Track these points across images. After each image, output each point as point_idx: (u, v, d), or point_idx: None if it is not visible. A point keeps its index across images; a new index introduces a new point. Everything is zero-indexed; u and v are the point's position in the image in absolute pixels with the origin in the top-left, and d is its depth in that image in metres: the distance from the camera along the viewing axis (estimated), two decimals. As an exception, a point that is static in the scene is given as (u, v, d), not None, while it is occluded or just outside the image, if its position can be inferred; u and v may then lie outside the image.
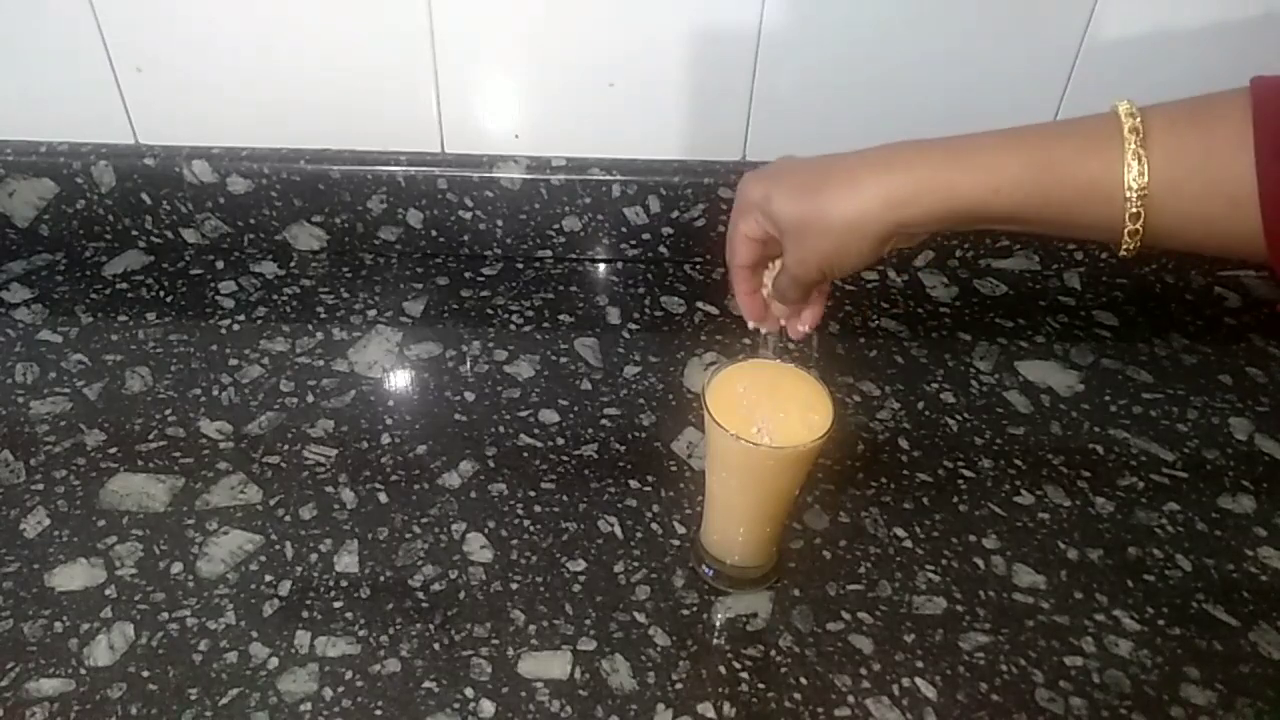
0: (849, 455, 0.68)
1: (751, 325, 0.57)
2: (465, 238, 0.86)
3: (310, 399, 0.72)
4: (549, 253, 0.87)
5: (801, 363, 0.56)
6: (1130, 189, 0.42)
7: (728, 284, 0.84)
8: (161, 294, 0.82)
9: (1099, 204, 0.43)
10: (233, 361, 0.75)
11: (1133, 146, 0.42)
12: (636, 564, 0.60)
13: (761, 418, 0.52)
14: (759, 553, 0.58)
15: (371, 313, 0.80)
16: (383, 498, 0.64)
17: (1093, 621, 0.58)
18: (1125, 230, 0.43)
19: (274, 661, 0.54)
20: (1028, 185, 0.44)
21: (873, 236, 0.47)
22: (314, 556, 0.60)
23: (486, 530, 0.62)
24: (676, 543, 0.62)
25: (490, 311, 0.81)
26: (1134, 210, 0.42)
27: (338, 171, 0.82)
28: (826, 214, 0.47)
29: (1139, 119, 0.43)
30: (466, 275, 0.85)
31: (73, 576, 0.59)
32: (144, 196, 0.83)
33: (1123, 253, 0.45)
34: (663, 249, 0.86)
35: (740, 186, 0.53)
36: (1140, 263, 0.87)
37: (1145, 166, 0.42)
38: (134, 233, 0.86)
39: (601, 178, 0.82)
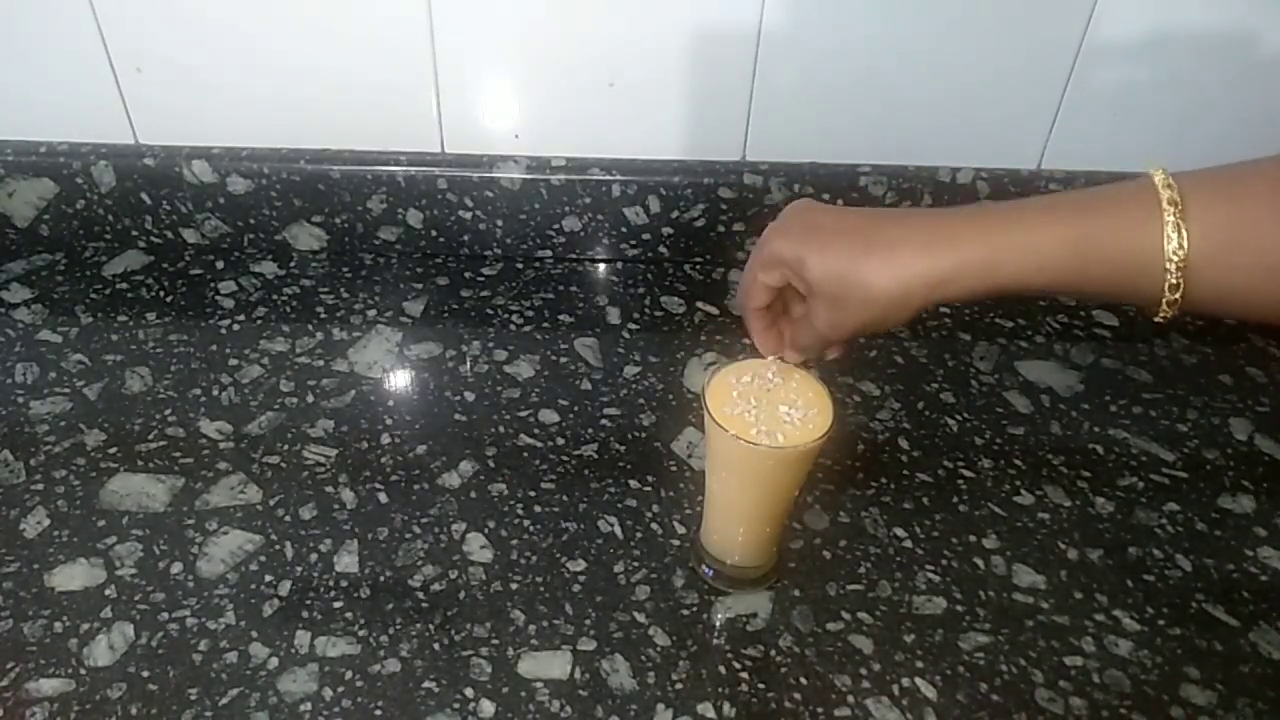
0: (849, 455, 0.68)
1: (770, 358, 0.56)
2: (465, 238, 0.86)
3: (310, 399, 0.72)
4: (549, 253, 0.87)
5: (801, 363, 0.56)
6: (1170, 260, 0.42)
7: (727, 285, 0.85)
8: (161, 294, 0.82)
9: (1138, 275, 0.43)
10: (233, 361, 0.75)
11: (1171, 218, 0.42)
12: (636, 564, 0.60)
13: (761, 418, 0.52)
14: (759, 553, 0.58)
15: (371, 313, 0.80)
16: (383, 498, 0.64)
17: (1093, 621, 0.58)
18: (1164, 300, 0.43)
19: (274, 661, 0.54)
20: (1068, 260, 0.45)
21: (911, 309, 0.48)
22: (314, 556, 0.60)
23: (486, 530, 0.62)
24: (676, 543, 0.62)
25: (490, 311, 0.81)
26: (1173, 281, 0.43)
27: (338, 171, 0.82)
28: (868, 287, 0.47)
29: (1176, 190, 0.43)
30: (466, 275, 0.85)
31: (73, 576, 0.59)
32: (144, 196, 0.83)
33: (1158, 319, 0.45)
34: (663, 249, 0.86)
35: (766, 237, 0.52)
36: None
37: (1184, 238, 0.42)
38: (134, 233, 0.86)
39: (601, 178, 0.82)
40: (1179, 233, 0.42)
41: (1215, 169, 0.44)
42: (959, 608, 0.58)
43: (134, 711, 0.52)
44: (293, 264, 0.86)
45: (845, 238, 0.49)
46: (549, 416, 0.71)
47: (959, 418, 0.72)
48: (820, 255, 0.48)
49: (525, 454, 0.68)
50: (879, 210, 0.50)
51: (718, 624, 0.57)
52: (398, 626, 0.56)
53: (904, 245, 0.47)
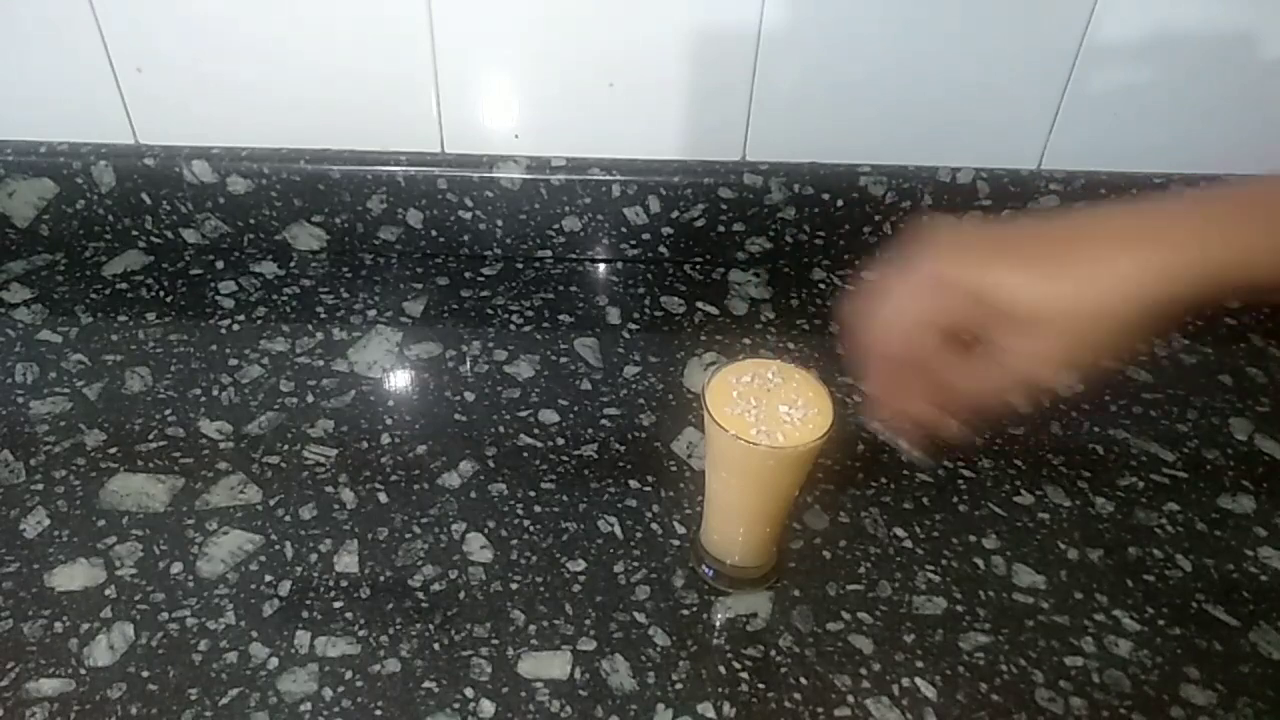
0: (849, 455, 0.68)
1: (903, 445, 0.47)
2: (465, 238, 0.86)
3: (310, 399, 0.72)
4: (549, 253, 0.87)
5: (801, 362, 0.56)
6: None
7: (728, 285, 0.85)
8: (161, 294, 0.82)
9: None
10: (233, 361, 0.75)
11: None
12: (636, 564, 0.60)
13: (761, 418, 0.52)
14: (759, 553, 0.58)
15: (371, 313, 0.80)
16: (383, 498, 0.64)
17: (1093, 621, 0.58)
18: None
19: (274, 661, 0.54)
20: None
21: (1140, 319, 0.40)
22: (314, 556, 0.60)
23: (486, 530, 0.62)
24: (676, 543, 0.62)
25: (490, 311, 0.81)
26: None
27: (338, 171, 0.82)
28: (1082, 296, 0.39)
29: None
30: (466, 275, 0.85)
31: (73, 576, 0.59)
32: (144, 196, 0.83)
33: None
34: (663, 249, 0.86)
35: (918, 260, 0.42)
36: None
37: None
38: (134, 233, 0.86)
39: (601, 178, 0.82)
40: None
41: None
42: (959, 608, 0.58)
43: (134, 711, 0.52)
44: (293, 264, 0.86)
45: (1028, 244, 0.41)
46: (549, 416, 0.71)
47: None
48: (1011, 267, 0.40)
49: (525, 454, 0.68)
50: (1038, 220, 0.42)
51: (718, 624, 0.57)
52: (398, 626, 0.56)
53: (1109, 239, 0.40)
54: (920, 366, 0.44)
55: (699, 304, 0.83)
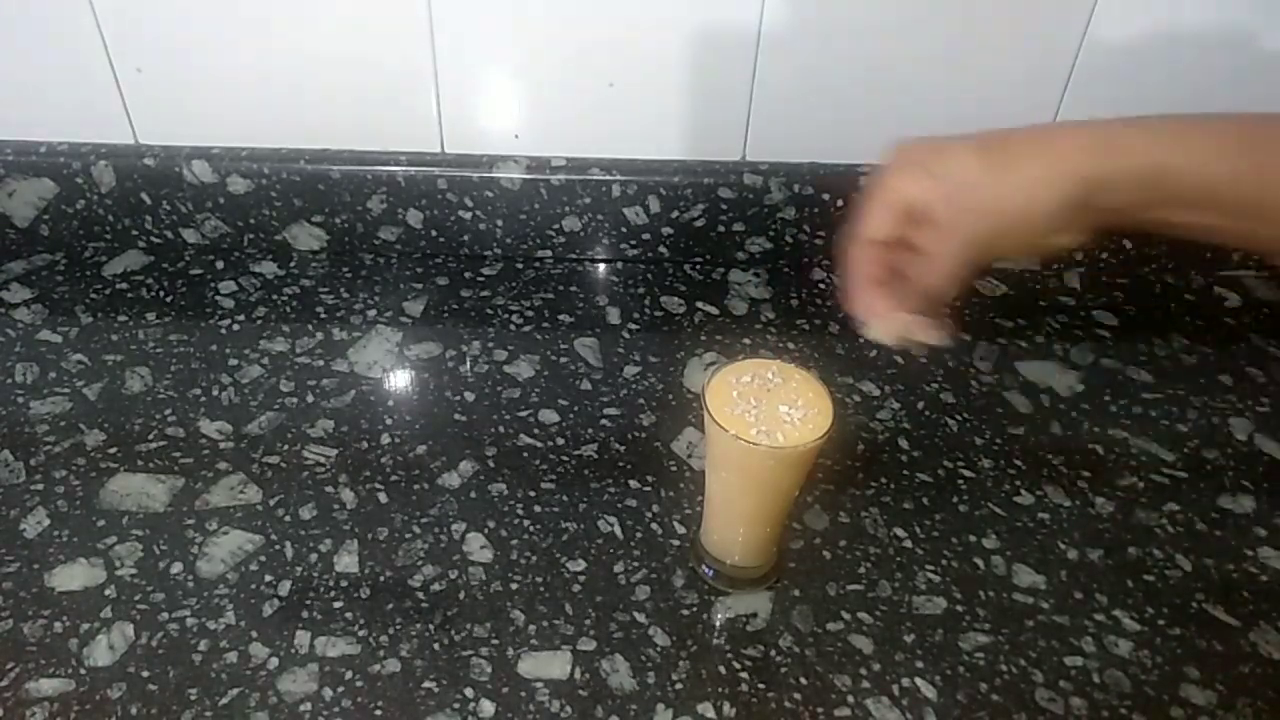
0: (849, 455, 0.68)
1: (868, 329, 0.48)
2: (465, 238, 0.86)
3: (310, 399, 0.72)
4: (549, 253, 0.87)
5: (801, 362, 0.56)
6: None
7: (728, 285, 0.85)
8: (161, 294, 0.82)
9: None
10: (233, 361, 0.75)
11: None
12: (636, 564, 0.60)
13: (761, 418, 0.52)
14: (759, 553, 0.58)
15: (371, 313, 0.80)
16: (383, 498, 0.64)
17: (1093, 621, 0.58)
18: None
19: (274, 661, 0.54)
20: (1242, 153, 0.41)
21: (1060, 203, 0.42)
22: (314, 556, 0.60)
23: (486, 530, 0.62)
24: (676, 543, 0.62)
25: (490, 311, 0.81)
26: None
27: (338, 171, 0.82)
28: (1018, 168, 0.42)
29: None
30: (466, 275, 0.85)
31: (73, 576, 0.59)
32: (144, 196, 0.83)
33: None
34: (663, 249, 0.86)
35: (896, 150, 0.46)
36: (1140, 263, 0.87)
37: None
38: (134, 233, 0.86)
39: (601, 178, 0.82)
40: None
41: None
42: (959, 608, 0.58)
43: (134, 711, 0.52)
44: (293, 264, 0.86)
45: (984, 134, 0.44)
46: (549, 416, 0.71)
47: (959, 418, 0.72)
48: (961, 145, 0.44)
49: (525, 454, 0.68)
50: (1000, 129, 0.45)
51: (718, 624, 0.57)
52: (398, 626, 0.56)
53: (1053, 129, 0.43)
54: (882, 249, 0.47)
55: (699, 304, 0.83)
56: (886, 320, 0.47)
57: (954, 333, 0.47)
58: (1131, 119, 0.43)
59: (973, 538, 0.63)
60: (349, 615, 0.57)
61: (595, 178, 0.82)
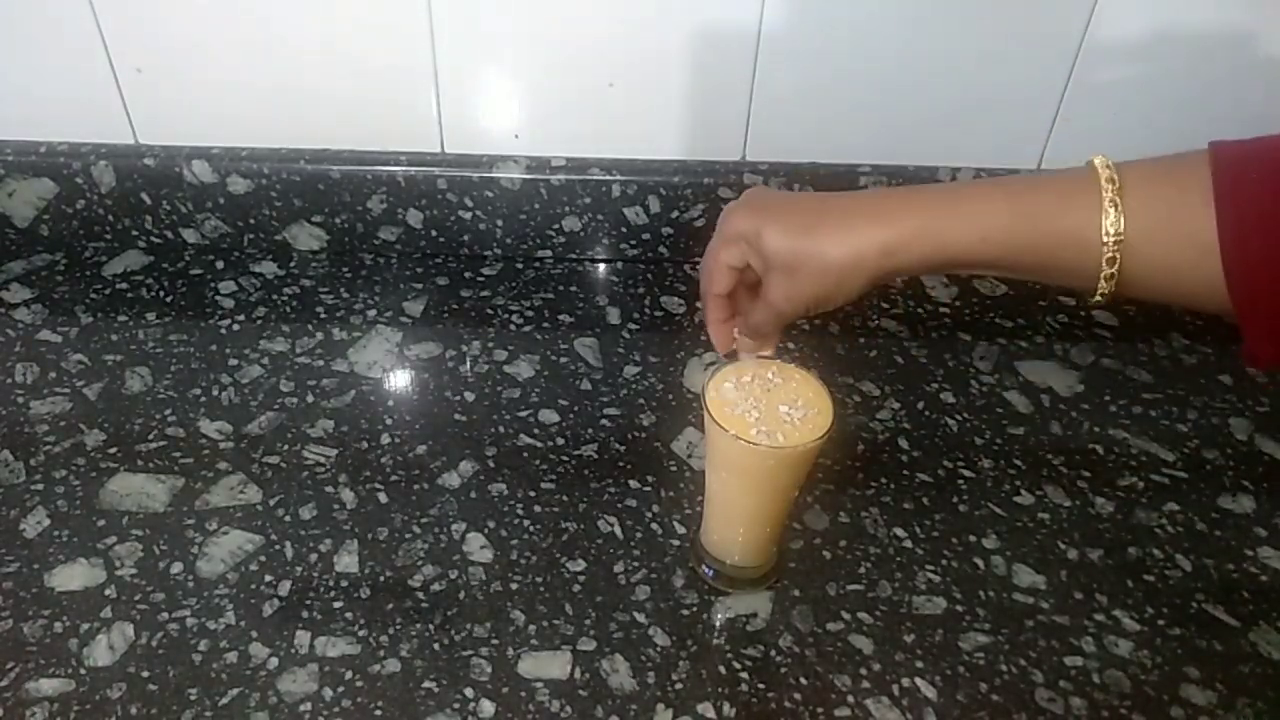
0: (849, 455, 0.68)
1: (722, 355, 0.57)
2: (465, 238, 0.86)
3: (310, 399, 0.72)
4: (549, 253, 0.87)
5: (801, 362, 0.56)
6: (1107, 234, 0.45)
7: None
8: (161, 294, 0.82)
9: (1077, 251, 0.46)
10: (233, 361, 0.75)
11: (1109, 195, 0.45)
12: (636, 564, 0.60)
13: (761, 418, 0.52)
14: (759, 553, 0.58)
15: (371, 313, 0.80)
16: (383, 498, 0.64)
17: (1093, 621, 0.58)
18: (1101, 275, 0.46)
19: (274, 661, 0.54)
20: (1012, 234, 0.47)
21: (864, 279, 0.49)
22: (314, 556, 0.60)
23: (486, 530, 0.62)
24: (676, 543, 0.62)
25: (490, 311, 0.81)
26: (1110, 255, 0.45)
27: (338, 171, 0.82)
28: (822, 255, 0.49)
29: (1114, 171, 0.45)
30: (466, 275, 0.85)
31: (73, 576, 0.59)
32: (144, 196, 0.83)
33: (1096, 299, 0.47)
34: (663, 249, 0.86)
35: (724, 217, 0.53)
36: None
37: (1121, 215, 0.44)
38: (134, 233, 0.86)
39: (601, 178, 0.82)
40: (1115, 209, 0.44)
41: (1150, 158, 0.47)
42: (959, 608, 0.58)
43: (134, 711, 0.52)
44: (293, 264, 0.86)
45: (801, 211, 0.51)
46: (549, 416, 0.71)
47: (959, 418, 0.72)
48: (777, 226, 0.50)
49: (525, 454, 0.68)
50: (831, 192, 0.52)
51: (718, 624, 0.57)
52: (398, 626, 0.56)
53: (856, 215, 0.49)
54: (730, 312, 0.56)
55: (699, 304, 0.82)
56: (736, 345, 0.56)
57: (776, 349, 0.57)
58: (933, 192, 0.50)
59: (973, 538, 0.63)
60: (349, 615, 0.57)
61: (595, 178, 0.82)
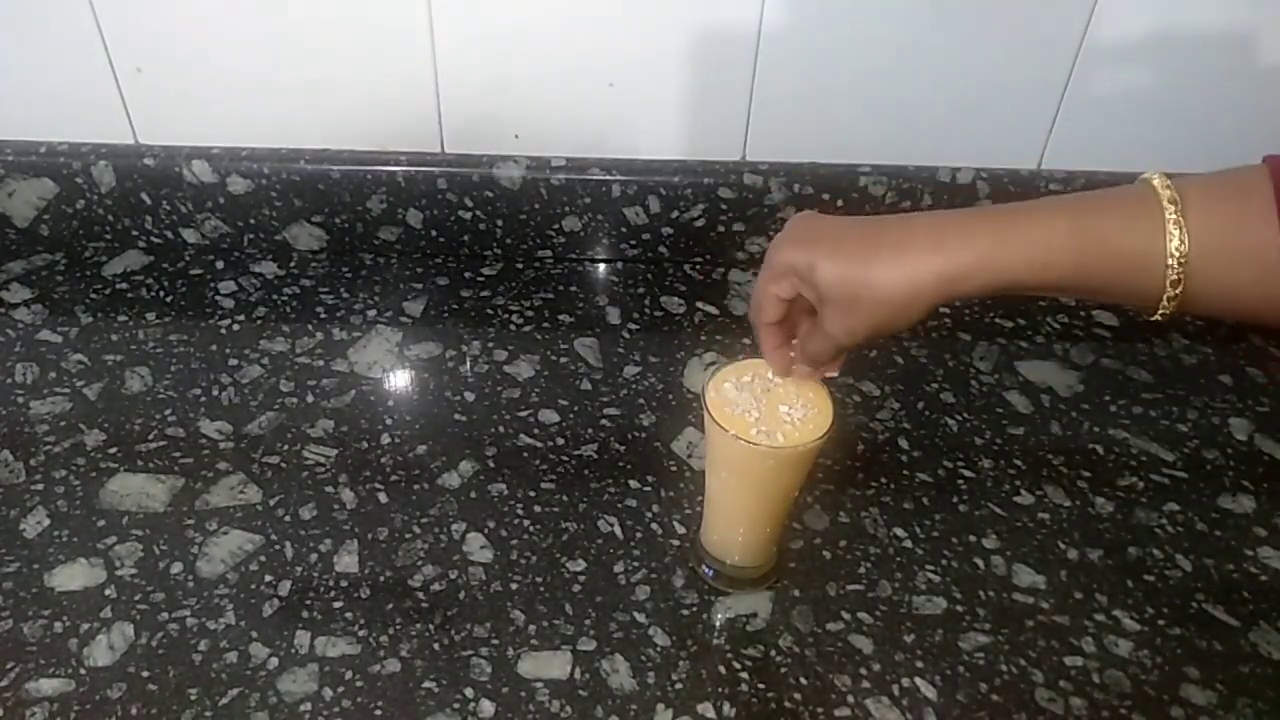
0: (849, 455, 0.68)
1: (781, 380, 0.55)
2: (465, 238, 0.86)
3: (310, 399, 0.72)
4: (549, 253, 0.87)
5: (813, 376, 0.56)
6: (1171, 256, 0.44)
7: (728, 285, 0.85)
8: (161, 294, 0.82)
9: (1140, 272, 0.45)
10: (233, 361, 0.75)
11: (1172, 215, 0.44)
12: (636, 564, 0.60)
13: (761, 418, 0.52)
14: (759, 553, 0.58)
15: (371, 313, 0.80)
16: (383, 498, 0.64)
17: (1093, 621, 0.58)
18: (1164, 296, 0.45)
19: (274, 661, 0.54)
20: (1073, 256, 0.46)
21: (923, 309, 0.48)
22: (314, 556, 0.60)
23: (486, 530, 0.62)
24: (676, 543, 0.62)
25: (490, 311, 0.81)
26: (1174, 277, 0.44)
27: (338, 171, 0.82)
28: (879, 288, 0.48)
29: (1174, 190, 0.44)
30: (466, 275, 0.85)
31: (73, 576, 0.59)
32: (144, 196, 0.83)
33: (1157, 317, 0.46)
34: (663, 249, 0.86)
35: (773, 249, 0.52)
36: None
37: (1185, 234, 0.43)
38: (134, 233, 0.86)
39: (601, 178, 0.82)
40: (1180, 229, 0.43)
41: (1208, 174, 0.45)
42: (959, 608, 0.58)
43: (134, 711, 0.52)
44: (293, 264, 0.86)
45: (854, 241, 0.49)
46: (549, 416, 0.71)
47: (959, 418, 0.72)
48: (831, 259, 0.49)
49: (525, 454, 0.68)
50: (882, 216, 0.51)
51: (718, 624, 0.57)
52: (398, 626, 0.56)
53: (913, 245, 0.48)
54: (785, 336, 0.54)
55: (699, 304, 0.83)
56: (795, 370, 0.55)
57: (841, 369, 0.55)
58: (991, 217, 0.48)
59: (973, 538, 0.63)
60: (349, 615, 0.57)
61: (595, 178, 0.82)
